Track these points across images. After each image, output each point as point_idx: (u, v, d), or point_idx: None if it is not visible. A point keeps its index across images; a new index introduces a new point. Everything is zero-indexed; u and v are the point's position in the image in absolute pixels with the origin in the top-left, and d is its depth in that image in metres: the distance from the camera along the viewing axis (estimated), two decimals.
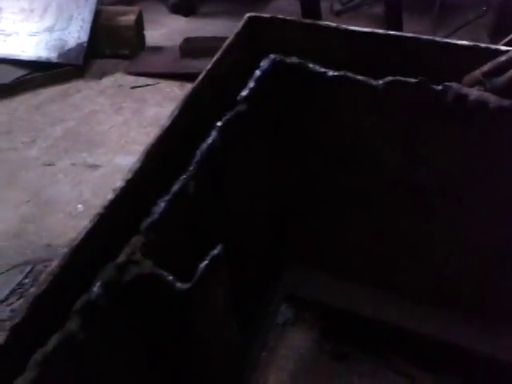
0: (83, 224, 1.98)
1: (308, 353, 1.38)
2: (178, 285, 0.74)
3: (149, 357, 0.80)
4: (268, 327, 1.33)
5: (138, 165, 0.84)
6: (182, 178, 0.85)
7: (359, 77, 1.02)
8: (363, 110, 1.03)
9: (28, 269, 1.64)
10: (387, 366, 1.31)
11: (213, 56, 1.05)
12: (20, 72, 2.78)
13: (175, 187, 0.84)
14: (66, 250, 1.68)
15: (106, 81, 2.67)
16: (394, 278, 1.22)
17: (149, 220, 0.79)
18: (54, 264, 0.70)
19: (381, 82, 1.00)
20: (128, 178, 0.82)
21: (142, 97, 2.54)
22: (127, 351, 0.77)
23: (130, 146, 2.22)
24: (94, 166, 2.08)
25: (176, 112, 0.94)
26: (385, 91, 0.99)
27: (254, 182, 1.05)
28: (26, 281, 1.61)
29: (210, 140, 0.91)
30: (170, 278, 0.74)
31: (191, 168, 0.87)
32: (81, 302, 0.68)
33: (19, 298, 1.56)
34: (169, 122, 0.92)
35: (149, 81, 2.64)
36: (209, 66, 1.05)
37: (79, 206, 1.87)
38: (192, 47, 2.76)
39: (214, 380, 0.88)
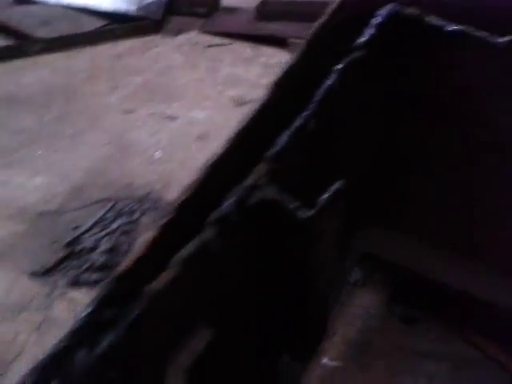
0: (161, 168, 2.05)
1: (377, 313, 1.40)
2: (300, 212, 0.77)
3: (262, 276, 0.85)
4: (342, 282, 1.35)
5: (262, 100, 0.87)
6: (303, 114, 0.88)
7: (479, 33, 0.99)
8: (481, 67, 1.01)
9: (110, 205, 1.73)
10: (458, 334, 1.32)
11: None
12: (99, 23, 2.87)
13: (297, 122, 0.86)
14: (147, 190, 1.74)
15: (182, 38, 2.71)
16: (477, 246, 1.21)
17: (273, 150, 0.82)
18: (194, 179, 0.74)
19: (504, 39, 0.97)
20: (255, 110, 0.85)
21: (217, 56, 2.57)
22: (246, 267, 0.82)
23: (204, 102, 2.26)
24: (171, 118, 2.14)
25: (294, 58, 0.96)
26: (507, 49, 0.97)
27: (366, 130, 1.06)
28: (108, 215, 1.70)
29: (328, 82, 0.92)
30: (293, 204, 0.77)
31: (311, 106, 0.89)
32: (215, 215, 0.73)
33: (102, 230, 1.65)
34: (287, 65, 0.94)
35: (223, 40, 2.66)
36: (322, 21, 1.04)
37: (157, 152, 1.94)
38: (268, 10, 2.75)
39: (310, 313, 0.92)
